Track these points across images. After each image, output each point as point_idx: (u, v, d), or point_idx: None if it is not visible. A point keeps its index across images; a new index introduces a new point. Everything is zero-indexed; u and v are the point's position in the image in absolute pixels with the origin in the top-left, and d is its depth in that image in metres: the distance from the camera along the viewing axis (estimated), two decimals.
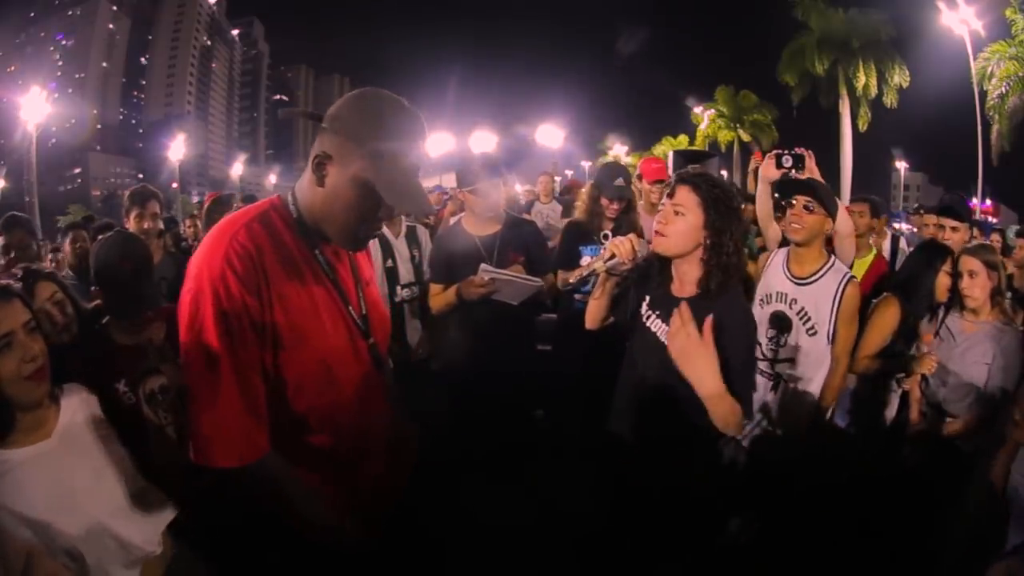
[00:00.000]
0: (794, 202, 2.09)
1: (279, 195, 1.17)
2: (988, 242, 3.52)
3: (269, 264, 1.06)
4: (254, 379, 1.04)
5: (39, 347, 1.19)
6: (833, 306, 2.03)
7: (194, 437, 1.03)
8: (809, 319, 2.06)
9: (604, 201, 2.70)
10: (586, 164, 36.72)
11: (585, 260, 2.70)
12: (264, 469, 1.05)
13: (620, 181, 2.69)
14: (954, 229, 2.84)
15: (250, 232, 1.06)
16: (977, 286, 2.15)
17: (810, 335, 2.06)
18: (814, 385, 2.10)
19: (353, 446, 1.19)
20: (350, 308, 1.18)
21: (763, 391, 2.13)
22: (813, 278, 2.08)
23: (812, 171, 2.29)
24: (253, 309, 1.02)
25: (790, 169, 2.29)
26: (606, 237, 2.75)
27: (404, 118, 1.07)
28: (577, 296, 2.73)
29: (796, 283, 2.10)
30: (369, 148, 1.04)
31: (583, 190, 3.06)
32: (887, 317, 2.31)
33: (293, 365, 1.07)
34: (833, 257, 2.15)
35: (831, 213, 2.09)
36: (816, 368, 2.09)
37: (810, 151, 2.28)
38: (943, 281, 2.30)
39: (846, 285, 2.03)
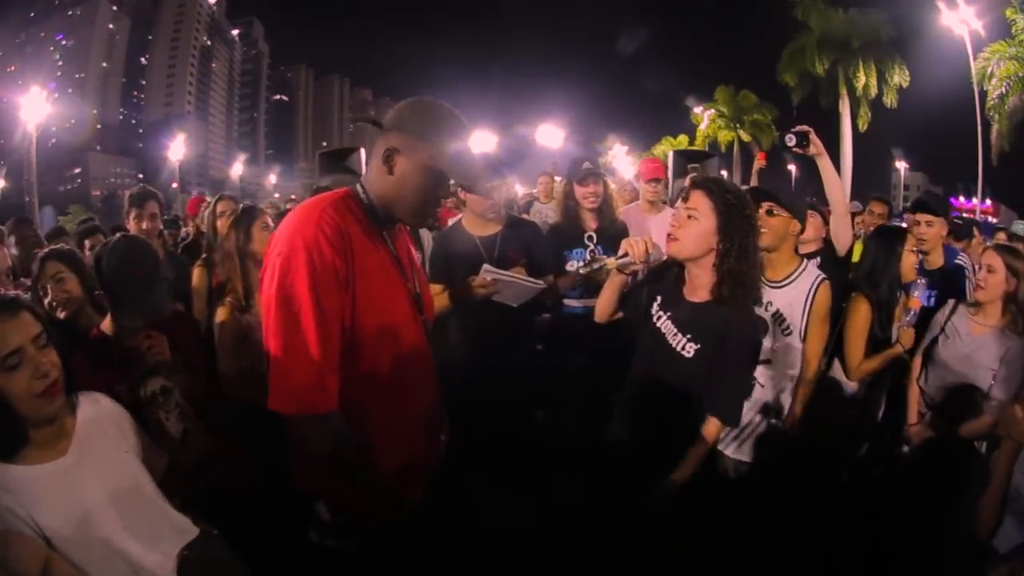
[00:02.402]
0: (758, 208, 2.12)
1: (349, 188, 1.33)
2: (1011, 245, 3.48)
3: (353, 236, 1.22)
4: (333, 335, 1.16)
5: (51, 361, 1.14)
6: (805, 306, 2.05)
7: (274, 383, 1.15)
8: (784, 320, 2.08)
9: (578, 190, 2.71)
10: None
11: (571, 265, 2.69)
12: (335, 421, 1.17)
13: (587, 164, 2.76)
14: (928, 224, 2.81)
15: (336, 209, 1.23)
16: (993, 281, 2.14)
17: (785, 335, 2.08)
18: (788, 381, 2.12)
19: (411, 416, 1.33)
20: (408, 284, 1.36)
21: (762, 393, 2.13)
22: (787, 281, 2.10)
23: (816, 145, 2.30)
24: (341, 273, 1.16)
25: (795, 146, 2.32)
26: (591, 239, 2.75)
27: (454, 116, 1.29)
28: (566, 301, 2.73)
29: (771, 286, 2.10)
30: (431, 139, 1.25)
31: (557, 189, 3.09)
32: (859, 317, 2.32)
33: (367, 330, 1.21)
34: (806, 261, 2.17)
35: (795, 215, 2.11)
36: (790, 366, 2.11)
37: (811, 127, 2.31)
38: (908, 260, 2.32)
39: (818, 286, 2.05)
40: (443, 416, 1.52)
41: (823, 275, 2.11)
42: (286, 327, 1.13)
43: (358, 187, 1.32)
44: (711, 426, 1.61)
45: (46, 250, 1.92)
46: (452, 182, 1.36)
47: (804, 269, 2.11)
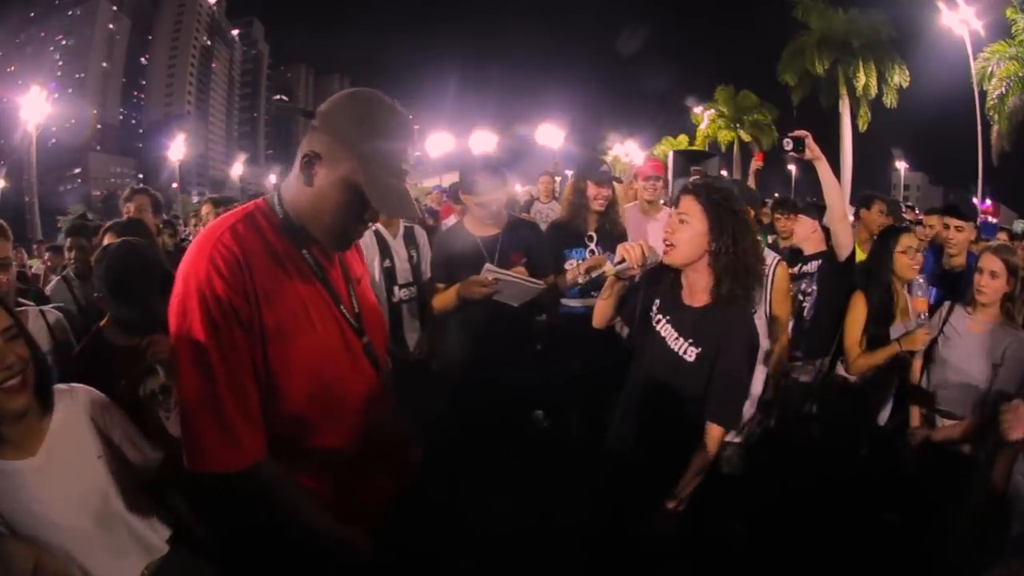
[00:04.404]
0: None
1: (264, 196, 1.16)
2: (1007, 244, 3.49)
3: (255, 265, 1.04)
4: (245, 381, 1.03)
5: (16, 355, 1.09)
6: (767, 284, 2.24)
7: (186, 442, 1.02)
8: None
9: (591, 191, 2.73)
10: None
11: (570, 263, 2.69)
12: (260, 474, 1.04)
13: (604, 167, 2.79)
14: (958, 229, 2.84)
15: (235, 234, 1.06)
16: (994, 286, 2.15)
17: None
18: (764, 363, 2.23)
19: (352, 447, 1.17)
20: (341, 307, 1.16)
21: (757, 388, 2.14)
22: None
23: (813, 150, 2.32)
24: (241, 311, 1.01)
25: (792, 151, 2.33)
26: (590, 238, 2.76)
27: (396, 122, 1.08)
28: (563, 301, 2.74)
29: None
30: (359, 151, 1.04)
31: (566, 187, 3.09)
32: (855, 312, 2.42)
33: (284, 366, 1.06)
34: (763, 246, 2.30)
35: (746, 201, 2.20)
36: (766, 350, 2.22)
37: (808, 131, 2.34)
38: (901, 260, 2.36)
39: (776, 266, 2.27)
40: (410, 438, 1.37)
41: (779, 256, 2.33)
42: (190, 378, 0.99)
43: (274, 197, 1.14)
44: (713, 433, 1.60)
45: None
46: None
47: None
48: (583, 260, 2.69)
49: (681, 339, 1.63)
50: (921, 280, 2.24)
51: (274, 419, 1.07)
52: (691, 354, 1.60)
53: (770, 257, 2.26)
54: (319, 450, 1.13)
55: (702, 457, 1.60)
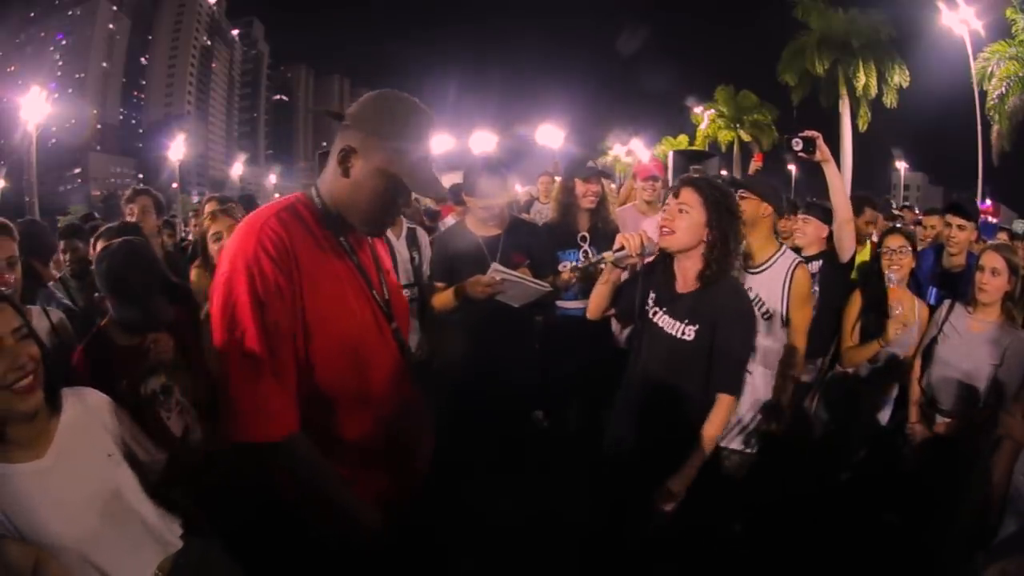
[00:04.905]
0: None
1: (303, 191, 1.24)
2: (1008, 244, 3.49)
3: (299, 248, 1.12)
4: (285, 357, 1.09)
5: (28, 354, 1.09)
6: (784, 289, 2.10)
7: (227, 412, 1.08)
8: (763, 304, 2.11)
9: (580, 188, 2.73)
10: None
11: (564, 266, 2.69)
12: (292, 447, 1.09)
13: (591, 163, 2.79)
14: (960, 228, 2.84)
15: (280, 220, 1.14)
16: (995, 284, 2.16)
17: (765, 319, 2.11)
18: (769, 365, 2.14)
19: (377, 433, 1.22)
20: (374, 292, 1.25)
21: (763, 392, 2.14)
22: (765, 266, 2.15)
23: (823, 152, 2.31)
24: (285, 289, 1.08)
25: (801, 152, 2.31)
26: (584, 239, 2.77)
27: (420, 116, 1.18)
28: (560, 303, 2.74)
29: (750, 272, 2.15)
30: (391, 142, 1.14)
31: (554, 188, 3.07)
32: (850, 307, 2.49)
33: (322, 345, 1.13)
34: (784, 245, 2.24)
35: (765, 198, 2.17)
36: (771, 352, 2.14)
37: (818, 133, 2.30)
38: (883, 259, 2.47)
39: (795, 269, 2.11)
40: (426, 426, 1.41)
41: (800, 258, 2.18)
42: (232, 352, 1.05)
43: (312, 190, 1.22)
44: (721, 405, 1.66)
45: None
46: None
47: (782, 253, 2.18)
48: (577, 261, 2.68)
49: (678, 323, 1.71)
50: (890, 274, 2.33)
51: (310, 398, 1.12)
52: (689, 333, 1.68)
53: (789, 258, 2.15)
54: (344, 437, 1.18)
55: (712, 431, 1.65)
